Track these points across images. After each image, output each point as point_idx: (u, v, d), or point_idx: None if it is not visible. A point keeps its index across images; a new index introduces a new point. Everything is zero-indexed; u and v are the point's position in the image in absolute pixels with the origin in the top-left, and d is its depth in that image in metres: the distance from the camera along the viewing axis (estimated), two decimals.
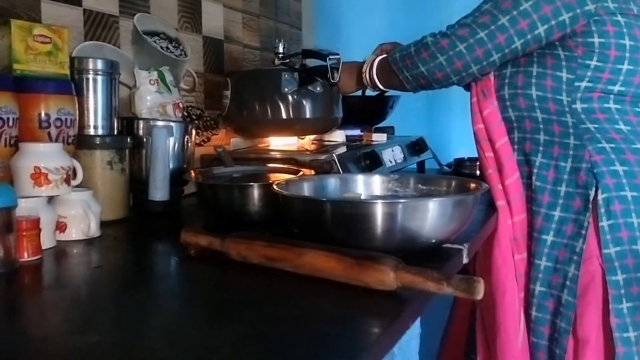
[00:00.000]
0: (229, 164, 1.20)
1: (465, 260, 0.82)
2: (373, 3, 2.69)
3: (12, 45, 0.90)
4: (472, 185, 0.84)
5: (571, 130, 1.02)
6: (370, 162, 1.33)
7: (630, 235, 0.97)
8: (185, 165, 1.17)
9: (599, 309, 0.98)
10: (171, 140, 1.11)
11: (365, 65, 1.18)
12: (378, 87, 1.18)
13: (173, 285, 0.71)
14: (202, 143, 1.41)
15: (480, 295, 0.56)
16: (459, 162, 1.67)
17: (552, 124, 1.04)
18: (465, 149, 1.84)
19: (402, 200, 0.74)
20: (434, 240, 0.76)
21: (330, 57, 1.14)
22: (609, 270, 0.97)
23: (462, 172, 1.59)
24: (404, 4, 3.03)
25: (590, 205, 0.98)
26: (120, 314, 0.57)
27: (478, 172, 1.41)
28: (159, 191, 1.05)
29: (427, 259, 0.74)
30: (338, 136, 1.46)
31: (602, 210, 0.97)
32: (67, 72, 0.97)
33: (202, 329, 0.52)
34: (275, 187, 0.83)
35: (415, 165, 1.70)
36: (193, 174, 1.08)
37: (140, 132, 1.10)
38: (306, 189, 0.91)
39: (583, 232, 0.98)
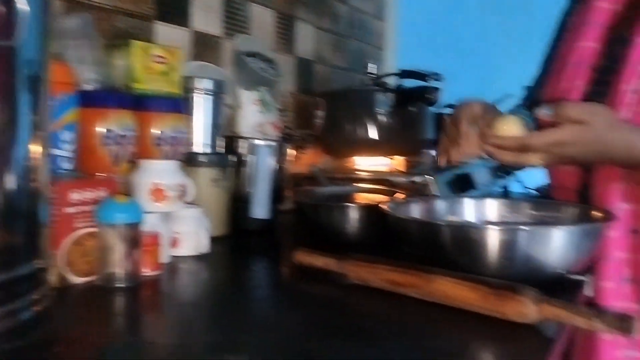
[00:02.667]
0: (325, 183, 1.20)
1: (589, 292, 0.78)
2: (454, 23, 2.66)
3: (132, 65, 0.94)
4: (596, 213, 0.80)
5: None
6: (463, 184, 1.30)
7: None
8: (282, 184, 1.18)
9: None
10: (271, 159, 1.13)
11: None
12: None
13: (296, 306, 0.70)
14: (293, 162, 1.43)
15: (637, 334, 0.52)
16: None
17: None
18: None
19: (527, 228, 0.72)
20: (558, 271, 0.73)
21: (432, 77, 1.12)
22: None
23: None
24: (480, 22, 2.99)
25: None
26: (255, 336, 0.57)
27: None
28: (260, 209, 1.06)
29: (549, 290, 0.71)
30: (427, 157, 1.44)
31: None
32: (180, 91, 1.00)
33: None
34: (386, 208, 0.82)
35: (501, 189, 1.65)
36: (292, 193, 1.09)
37: (242, 150, 1.12)
38: (415, 211, 0.89)
39: None
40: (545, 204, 0.92)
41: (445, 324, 0.60)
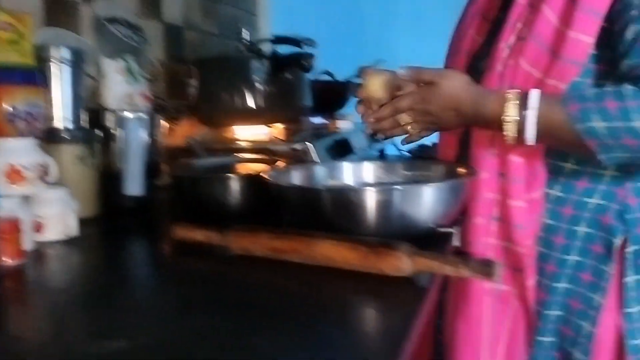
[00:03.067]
0: (202, 154, 1.16)
1: (456, 243, 0.84)
2: None
3: None
4: (461, 170, 0.86)
5: None
6: (342, 149, 1.33)
7: None
8: (157, 158, 1.12)
9: None
10: (142, 132, 1.07)
11: (509, 116, 0.75)
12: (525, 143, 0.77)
13: (178, 284, 0.68)
14: (166, 134, 1.36)
15: (498, 279, 0.57)
16: (423, 147, 1.70)
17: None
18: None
19: (401, 187, 0.75)
20: (429, 225, 0.77)
21: (306, 43, 1.12)
22: (630, 333, 0.80)
23: (425, 157, 1.62)
24: None
25: (614, 255, 0.80)
26: (133, 318, 0.55)
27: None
28: (134, 185, 1.00)
29: (421, 243, 0.76)
30: (306, 124, 1.45)
31: (631, 263, 0.80)
32: (32, 61, 0.91)
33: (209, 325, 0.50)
34: (267, 177, 0.82)
35: (377, 152, 1.72)
36: (168, 167, 1.04)
37: (109, 124, 1.05)
38: (295, 179, 0.90)
39: (603, 284, 0.81)
40: (417, 164, 0.98)
41: (327, 285, 0.61)
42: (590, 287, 0.83)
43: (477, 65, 0.90)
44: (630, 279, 0.80)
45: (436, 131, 0.90)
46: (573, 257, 0.84)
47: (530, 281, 0.86)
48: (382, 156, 1.75)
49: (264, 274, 0.66)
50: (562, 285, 0.85)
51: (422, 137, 0.89)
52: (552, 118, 0.74)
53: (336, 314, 0.54)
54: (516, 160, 0.84)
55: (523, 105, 0.75)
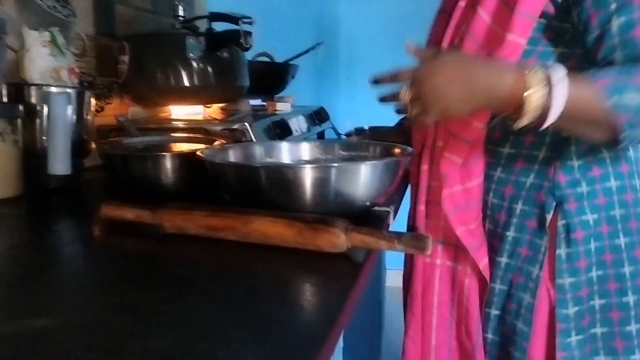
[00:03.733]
0: (135, 133, 1.12)
1: (392, 222, 0.86)
2: None
3: None
4: (397, 150, 0.87)
5: (547, 139, 0.86)
6: (280, 130, 1.32)
7: (588, 263, 0.85)
8: (85, 136, 1.07)
9: (543, 339, 0.88)
10: (69, 108, 1.01)
11: (534, 93, 0.67)
12: (542, 126, 0.70)
13: (107, 263, 0.65)
14: (96, 113, 1.30)
15: (429, 251, 0.58)
16: (360, 131, 1.71)
17: (525, 134, 0.86)
18: (351, 121, 1.90)
19: (338, 164, 0.75)
20: (365, 203, 0.78)
21: (243, 20, 1.10)
22: (560, 303, 0.85)
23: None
24: None
25: (548, 229, 0.86)
26: (60, 296, 0.52)
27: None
28: (59, 164, 0.95)
29: (359, 222, 0.77)
30: (244, 105, 1.43)
31: (562, 236, 0.85)
32: None
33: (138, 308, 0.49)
34: (202, 155, 0.80)
35: (315, 135, 1.72)
36: (96, 145, 0.99)
37: (33, 99, 0.99)
38: (232, 157, 0.88)
39: (540, 257, 0.86)
40: (354, 144, 0.98)
41: (263, 262, 0.61)
42: (528, 260, 0.88)
43: None
44: (561, 251, 0.85)
45: (443, 114, 0.77)
46: (511, 233, 0.89)
47: (483, 261, 0.91)
48: (320, 138, 1.76)
49: (199, 252, 0.64)
50: (504, 260, 0.90)
51: (429, 119, 0.78)
52: (579, 94, 0.68)
53: (272, 290, 0.53)
54: (451, 159, 0.89)
55: (547, 80, 0.67)
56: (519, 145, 0.88)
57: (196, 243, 0.66)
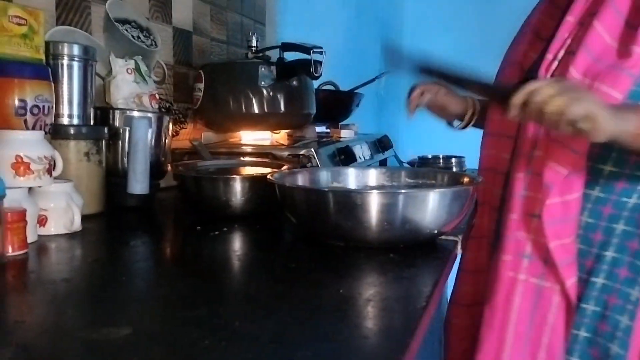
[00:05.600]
0: (207, 157, 1.17)
1: (458, 252, 0.85)
2: (333, 3, 2.71)
3: None
4: (466, 179, 0.86)
5: None
6: (345, 157, 1.34)
7: None
8: (163, 159, 1.13)
9: None
10: (149, 132, 1.07)
11: None
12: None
13: (176, 279, 0.68)
14: (172, 136, 1.37)
15: None
16: (423, 159, 1.71)
17: (629, 153, 0.84)
18: (413, 149, 1.90)
19: (406, 191, 0.75)
20: (435, 232, 0.78)
21: (315, 50, 1.13)
22: None
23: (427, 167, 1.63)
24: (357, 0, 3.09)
25: None
26: (137, 308, 0.55)
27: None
28: (139, 184, 1.00)
29: (426, 251, 0.76)
30: (310, 132, 1.46)
31: None
32: (43, 56, 0.92)
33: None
34: (272, 178, 0.82)
35: (378, 163, 1.72)
36: (173, 167, 1.05)
37: (117, 122, 1.05)
38: (300, 181, 0.90)
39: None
40: (421, 172, 0.98)
41: (326, 285, 0.61)
42: (627, 282, 0.86)
43: (529, 77, 0.91)
44: None
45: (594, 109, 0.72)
46: (610, 254, 0.87)
47: (572, 279, 0.88)
48: (383, 165, 1.76)
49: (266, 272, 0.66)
50: (599, 280, 0.88)
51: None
52: None
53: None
54: (556, 169, 0.85)
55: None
56: (622, 164, 0.86)
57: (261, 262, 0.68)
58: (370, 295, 0.59)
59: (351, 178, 0.94)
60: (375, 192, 0.73)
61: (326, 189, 0.80)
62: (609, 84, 0.81)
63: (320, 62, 1.16)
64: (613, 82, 0.81)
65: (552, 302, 0.89)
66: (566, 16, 0.88)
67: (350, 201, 0.72)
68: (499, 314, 0.92)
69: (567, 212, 0.87)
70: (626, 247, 0.86)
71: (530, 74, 0.94)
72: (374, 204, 0.71)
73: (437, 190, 0.75)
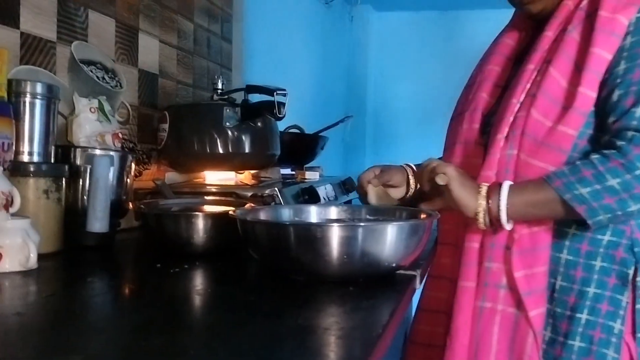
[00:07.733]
0: (170, 196, 1.17)
1: (417, 286, 0.86)
2: (299, 50, 2.79)
3: None
4: (423, 214, 0.89)
5: None
6: (309, 197, 1.35)
7: None
8: (124, 197, 1.12)
9: None
10: (111, 170, 1.07)
11: (485, 198, 0.88)
12: (501, 223, 0.88)
13: (131, 311, 0.67)
14: (135, 177, 1.37)
15: None
16: None
17: None
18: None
19: (365, 224, 0.77)
20: (393, 264, 0.79)
21: (278, 92, 1.16)
22: None
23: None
24: (322, 48, 3.18)
25: (630, 285, 0.91)
26: (91, 338, 0.54)
27: None
28: (98, 222, 0.99)
29: (385, 285, 0.77)
30: (275, 173, 1.47)
31: None
32: (5, 94, 0.92)
33: None
34: (233, 213, 0.83)
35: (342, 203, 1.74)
36: (133, 205, 1.04)
37: (78, 160, 1.05)
38: (263, 217, 0.91)
39: (621, 312, 0.90)
40: (381, 209, 1.00)
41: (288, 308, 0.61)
42: (609, 315, 0.91)
43: (488, 120, 1.00)
44: None
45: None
46: (592, 290, 0.91)
47: (536, 310, 0.91)
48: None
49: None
50: (583, 316, 0.91)
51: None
52: (538, 196, 0.87)
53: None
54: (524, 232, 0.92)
55: (492, 195, 0.87)
56: None
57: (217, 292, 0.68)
58: (328, 325, 0.59)
59: (313, 215, 0.96)
60: (335, 225, 0.74)
61: (287, 223, 0.81)
62: (564, 123, 0.89)
63: (284, 104, 1.19)
64: (567, 121, 0.89)
65: (529, 333, 0.92)
66: (526, 65, 0.96)
67: (311, 234, 0.73)
68: (465, 350, 0.93)
69: (535, 243, 0.91)
70: (606, 282, 0.91)
71: (489, 117, 1.01)
72: (334, 236, 0.72)
73: (395, 223, 0.77)
